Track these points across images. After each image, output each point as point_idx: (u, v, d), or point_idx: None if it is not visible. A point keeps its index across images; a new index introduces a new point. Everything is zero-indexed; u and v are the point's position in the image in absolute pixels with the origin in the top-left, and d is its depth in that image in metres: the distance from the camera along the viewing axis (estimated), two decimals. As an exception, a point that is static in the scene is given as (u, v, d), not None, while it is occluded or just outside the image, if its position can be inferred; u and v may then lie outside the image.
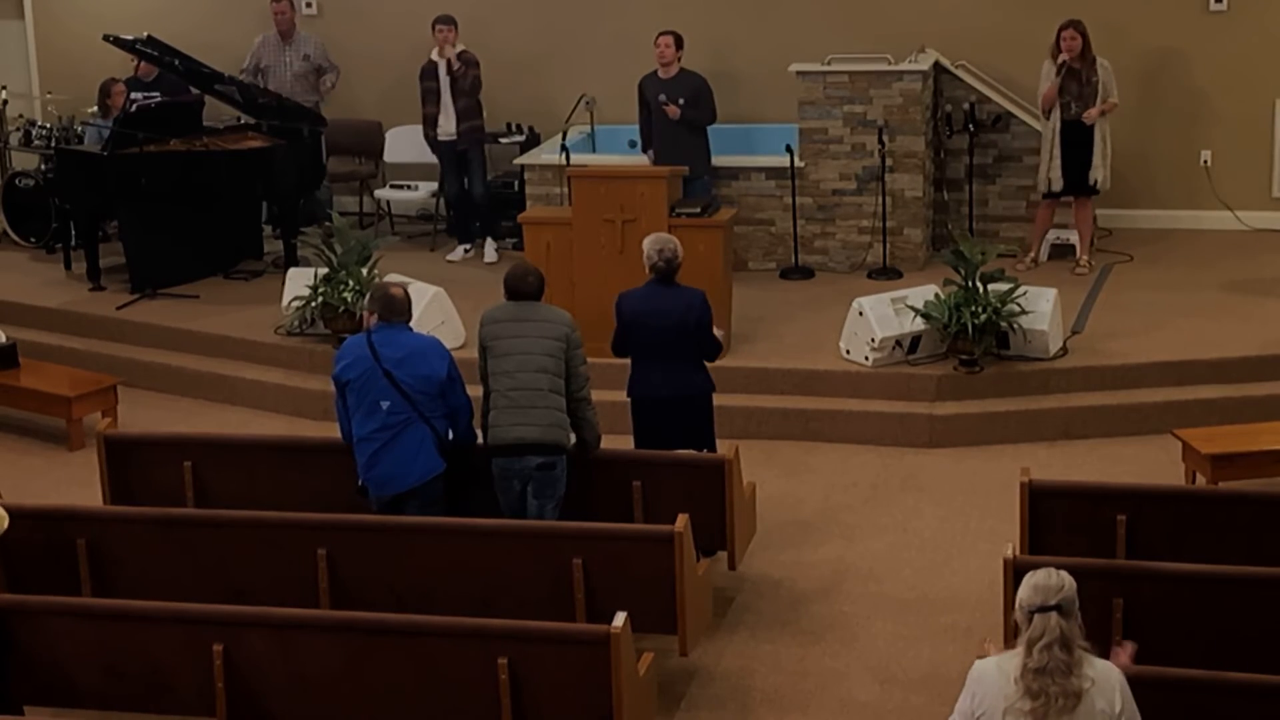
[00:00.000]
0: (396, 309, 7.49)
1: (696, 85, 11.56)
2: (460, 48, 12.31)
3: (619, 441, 8.37)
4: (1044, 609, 4.92)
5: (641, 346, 8.11)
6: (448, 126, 12.37)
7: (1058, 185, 11.49)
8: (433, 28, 12.29)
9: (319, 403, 10.17)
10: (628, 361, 8.25)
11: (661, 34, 11.60)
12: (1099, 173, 11.42)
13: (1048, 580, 4.97)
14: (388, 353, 7.37)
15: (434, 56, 12.33)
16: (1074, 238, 11.86)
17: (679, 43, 11.58)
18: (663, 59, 11.57)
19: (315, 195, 13.16)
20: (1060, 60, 11.34)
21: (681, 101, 11.43)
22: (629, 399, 8.20)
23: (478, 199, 12.55)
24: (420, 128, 12.77)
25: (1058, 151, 11.44)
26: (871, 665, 7.37)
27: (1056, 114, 11.42)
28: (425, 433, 7.36)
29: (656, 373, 8.08)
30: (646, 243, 8.15)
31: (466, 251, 12.63)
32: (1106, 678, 4.99)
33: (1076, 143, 11.40)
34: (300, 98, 12.99)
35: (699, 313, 8.04)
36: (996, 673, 5.02)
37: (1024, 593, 4.99)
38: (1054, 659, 4.89)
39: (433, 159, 12.98)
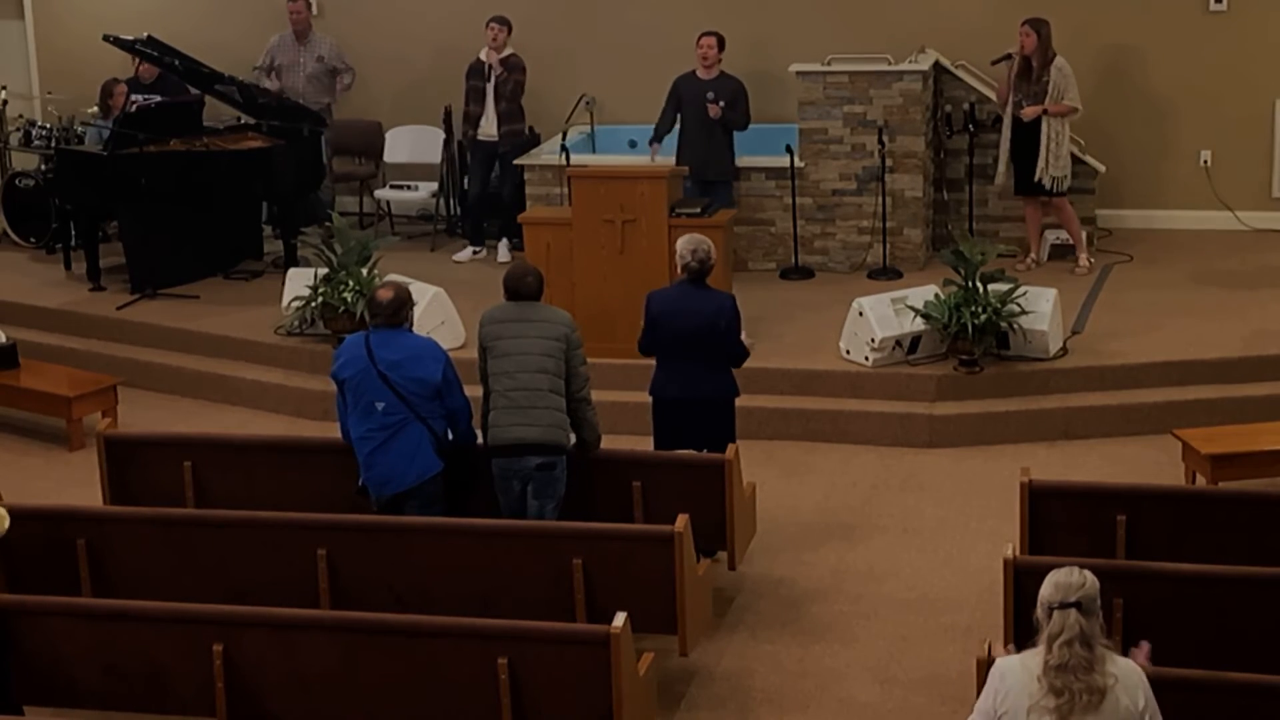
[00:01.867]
0: (374, 310, 7.49)
1: (735, 88, 11.54)
2: (509, 50, 12.29)
3: (619, 441, 8.38)
4: (1064, 605, 4.94)
5: (667, 346, 8.09)
6: (488, 127, 12.35)
7: (1003, 180, 11.58)
8: (486, 25, 12.28)
9: (319, 403, 10.17)
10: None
11: (704, 34, 11.59)
12: (1045, 174, 11.40)
13: (1068, 578, 4.99)
14: (384, 354, 7.37)
15: (482, 56, 12.32)
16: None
17: (721, 44, 11.57)
18: (705, 60, 11.55)
19: (317, 195, 13.15)
20: (1007, 54, 11.42)
21: (722, 103, 11.43)
22: (651, 398, 8.19)
23: (506, 200, 12.50)
24: (425, 127, 12.77)
25: (1006, 147, 11.49)
26: (871, 665, 7.37)
27: (1009, 110, 11.49)
28: (422, 433, 7.36)
29: (681, 373, 8.06)
30: (680, 242, 8.13)
31: (476, 253, 12.61)
32: (1129, 676, 5.00)
33: (1023, 141, 11.43)
34: (313, 98, 13.01)
35: (728, 316, 8.03)
36: (1021, 670, 5.02)
37: (1045, 590, 5.01)
38: (1074, 655, 4.90)
39: (433, 159, 12.98)
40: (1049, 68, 11.31)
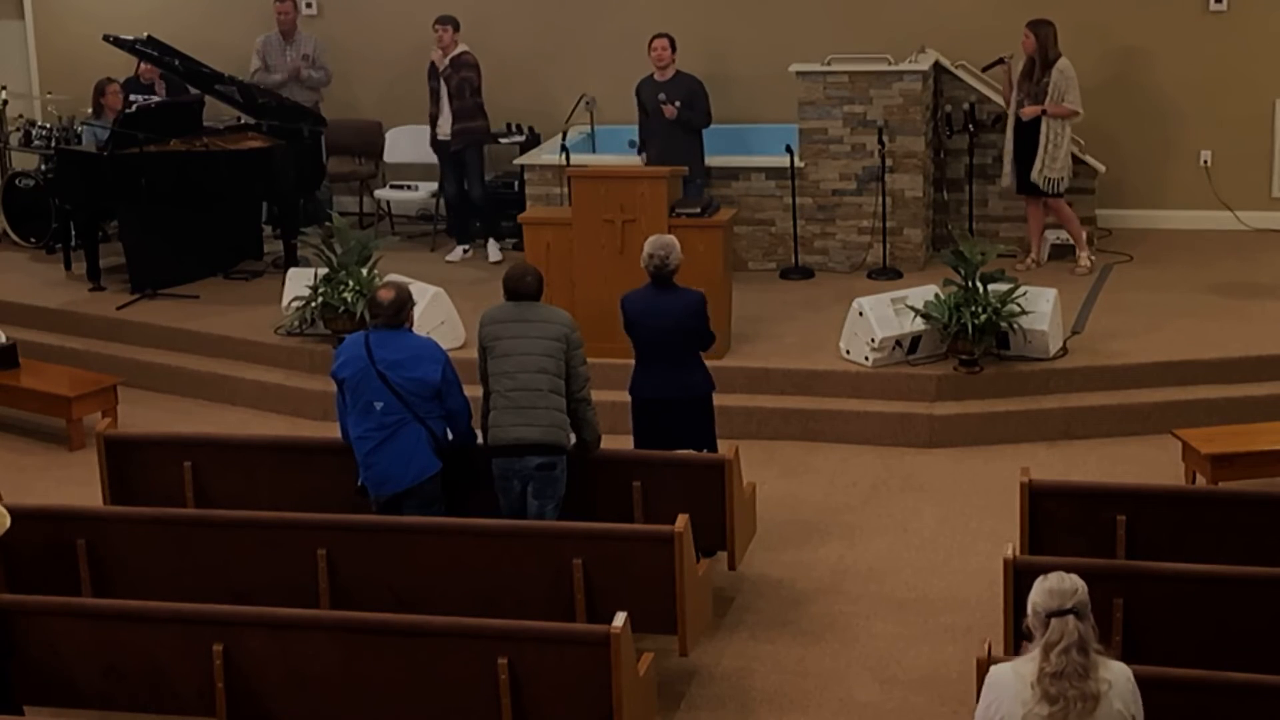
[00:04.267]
0: (374, 310, 7.50)
1: (692, 87, 11.57)
2: (461, 48, 12.32)
3: (619, 441, 8.37)
4: (1061, 613, 4.89)
5: (641, 347, 8.14)
6: (444, 127, 12.40)
7: (1008, 181, 11.58)
8: (433, 26, 12.33)
9: (319, 403, 10.17)
10: (630, 362, 8.26)
11: (656, 37, 11.62)
12: (1039, 175, 11.40)
13: (1061, 584, 4.93)
14: (383, 354, 7.37)
15: (433, 58, 12.36)
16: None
17: (674, 45, 11.59)
18: (659, 61, 11.58)
19: (315, 195, 13.16)
20: (999, 59, 11.51)
21: (678, 103, 11.43)
22: (630, 398, 8.20)
23: (475, 200, 12.56)
24: (425, 127, 12.78)
25: (1009, 149, 11.52)
26: (871, 665, 7.37)
27: (1012, 109, 11.53)
28: (420, 433, 7.36)
29: (656, 373, 8.09)
30: (645, 243, 8.16)
31: (465, 252, 12.65)
32: (1121, 681, 4.96)
33: (1023, 142, 11.45)
34: (300, 97, 13.00)
35: (696, 314, 8.06)
36: (1014, 678, 4.97)
37: (1038, 597, 4.95)
38: (1071, 663, 4.85)
39: (432, 159, 12.99)
40: (1050, 69, 11.32)
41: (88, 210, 12.16)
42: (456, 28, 12.32)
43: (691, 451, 8.05)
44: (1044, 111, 11.32)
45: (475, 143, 12.50)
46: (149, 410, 10.58)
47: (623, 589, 6.86)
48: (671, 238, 8.20)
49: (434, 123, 12.45)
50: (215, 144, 12.17)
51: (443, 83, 12.30)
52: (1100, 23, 11.92)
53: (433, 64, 12.37)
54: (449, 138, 12.40)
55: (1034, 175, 11.40)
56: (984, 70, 11.78)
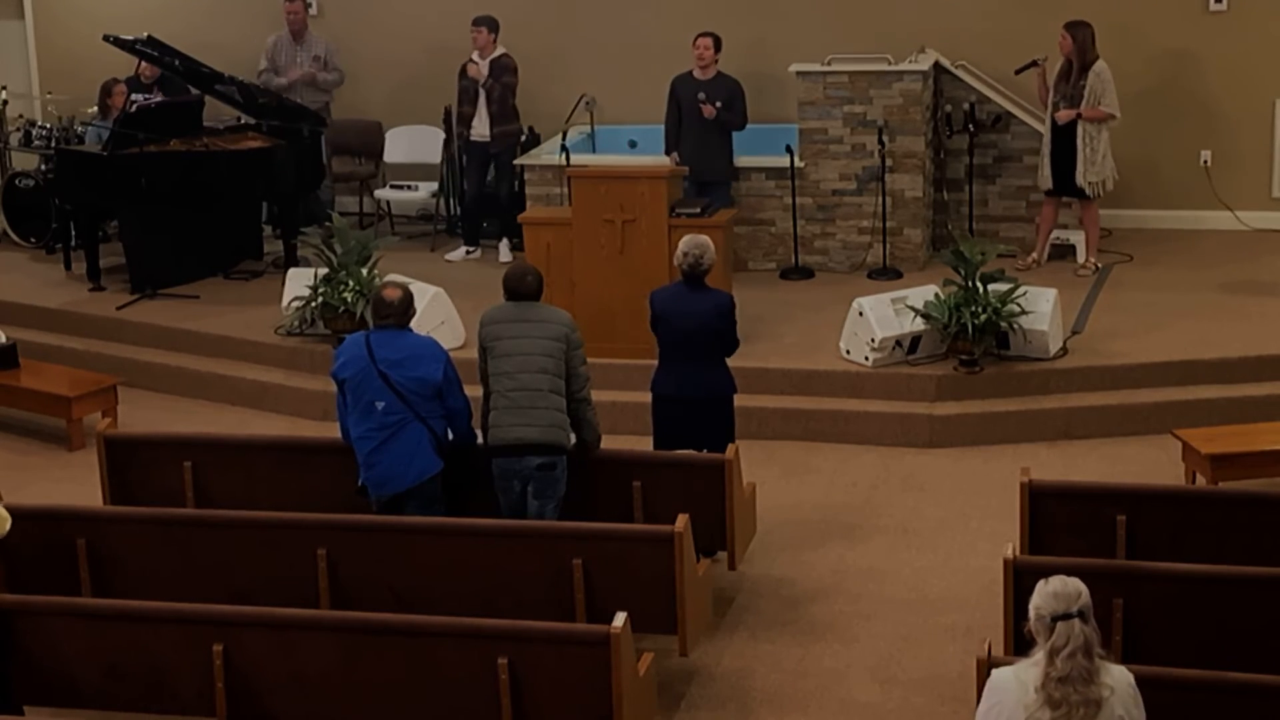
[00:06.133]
0: (384, 310, 7.49)
1: (732, 89, 11.53)
2: (500, 50, 12.28)
3: (619, 441, 8.38)
4: (1067, 616, 4.86)
5: (665, 344, 8.15)
6: (481, 129, 12.37)
7: (1046, 184, 11.55)
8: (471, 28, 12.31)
9: (319, 403, 10.17)
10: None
11: (700, 35, 11.56)
12: (1083, 176, 11.40)
13: (1065, 587, 4.90)
14: (384, 354, 7.37)
15: (474, 57, 12.32)
16: (1074, 238, 11.87)
17: (718, 45, 11.55)
18: (701, 60, 11.53)
19: (316, 195, 13.15)
20: (1031, 61, 11.49)
21: (719, 103, 11.42)
22: (651, 395, 8.20)
23: (503, 200, 12.51)
24: (425, 127, 12.80)
25: (1046, 150, 11.50)
26: (871, 665, 7.37)
27: (1048, 111, 11.50)
28: (422, 433, 7.36)
29: (678, 371, 8.10)
30: (680, 242, 8.18)
31: (469, 253, 12.62)
32: (1123, 686, 4.95)
33: (1061, 143, 11.43)
34: (310, 98, 13.01)
35: (724, 314, 8.07)
36: (1015, 683, 4.94)
37: (1042, 601, 4.91)
38: (1078, 667, 4.82)
39: (433, 159, 12.99)
40: (1087, 71, 11.30)
41: (88, 210, 12.16)
42: (491, 28, 12.26)
43: (692, 451, 8.05)
44: (1079, 115, 11.31)
45: (513, 145, 12.48)
46: (149, 410, 10.59)
47: (623, 589, 6.87)
48: (706, 238, 8.19)
49: (468, 121, 12.40)
50: (215, 144, 12.17)
51: (481, 88, 12.25)
52: (1100, 23, 11.90)
53: (466, 65, 12.29)
54: (486, 139, 12.36)
55: (1079, 179, 11.38)
56: (1017, 72, 11.74)
